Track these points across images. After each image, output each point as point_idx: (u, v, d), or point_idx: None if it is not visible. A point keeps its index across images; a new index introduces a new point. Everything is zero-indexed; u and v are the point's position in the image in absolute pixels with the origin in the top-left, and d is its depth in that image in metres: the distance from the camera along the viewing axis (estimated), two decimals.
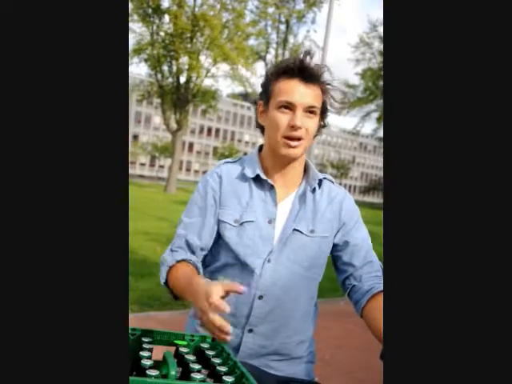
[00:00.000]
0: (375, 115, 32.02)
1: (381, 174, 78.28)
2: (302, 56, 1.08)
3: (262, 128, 1.16)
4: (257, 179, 1.14)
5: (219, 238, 1.14)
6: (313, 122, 1.09)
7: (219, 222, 1.13)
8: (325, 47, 8.21)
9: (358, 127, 33.59)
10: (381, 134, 32.98)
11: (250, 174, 1.14)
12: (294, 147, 1.08)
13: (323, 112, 1.13)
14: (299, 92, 1.06)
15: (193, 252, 1.12)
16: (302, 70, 1.06)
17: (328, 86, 1.11)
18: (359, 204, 1.26)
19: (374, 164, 79.64)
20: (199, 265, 1.09)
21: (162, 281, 1.07)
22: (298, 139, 1.08)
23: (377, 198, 71.09)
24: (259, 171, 1.14)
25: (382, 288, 1.07)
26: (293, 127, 1.06)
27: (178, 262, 1.06)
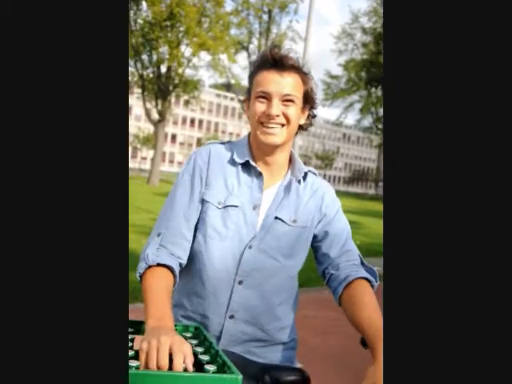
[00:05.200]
0: (358, 106, 32.25)
1: (364, 164, 79.10)
2: (271, 48, 1.12)
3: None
4: (245, 165, 1.15)
5: (199, 223, 1.13)
6: (292, 110, 1.10)
7: (203, 202, 1.13)
8: (307, 37, 8.19)
9: (342, 118, 33.80)
10: (364, 124, 33.26)
11: (239, 159, 1.15)
12: (271, 134, 1.10)
13: (307, 102, 1.14)
14: (274, 82, 1.09)
15: (181, 247, 1.10)
16: (275, 60, 1.10)
17: (308, 76, 1.13)
18: (344, 194, 1.28)
19: (357, 154, 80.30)
20: (177, 271, 1.07)
21: (138, 275, 1.05)
22: (281, 125, 1.10)
23: (361, 188, 71.87)
24: (248, 157, 1.15)
25: (358, 275, 1.09)
26: (269, 115, 1.08)
27: (159, 264, 1.03)
